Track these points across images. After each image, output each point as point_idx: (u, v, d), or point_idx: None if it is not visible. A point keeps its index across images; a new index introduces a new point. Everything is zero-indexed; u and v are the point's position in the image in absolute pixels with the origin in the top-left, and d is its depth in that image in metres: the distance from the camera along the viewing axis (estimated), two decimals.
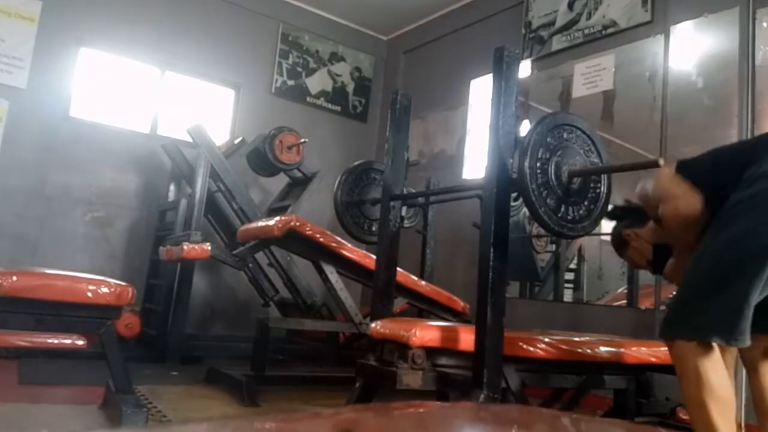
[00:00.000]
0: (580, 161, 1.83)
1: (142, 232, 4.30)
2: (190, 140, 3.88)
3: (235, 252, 3.62)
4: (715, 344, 1.37)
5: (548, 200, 1.75)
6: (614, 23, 3.57)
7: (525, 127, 1.85)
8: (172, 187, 4.28)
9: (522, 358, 1.82)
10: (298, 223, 2.99)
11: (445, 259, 4.20)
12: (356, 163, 3.01)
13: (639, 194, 1.73)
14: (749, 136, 2.80)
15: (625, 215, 2.00)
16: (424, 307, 3.43)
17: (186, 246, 3.31)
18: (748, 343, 1.35)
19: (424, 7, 5.04)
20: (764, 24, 2.88)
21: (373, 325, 2.02)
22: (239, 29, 4.88)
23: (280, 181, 4.54)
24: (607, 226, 3.63)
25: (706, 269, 1.42)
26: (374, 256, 2.61)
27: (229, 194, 3.91)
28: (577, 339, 2.00)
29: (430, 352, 1.78)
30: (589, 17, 3.74)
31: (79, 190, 4.15)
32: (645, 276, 3.31)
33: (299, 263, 3.79)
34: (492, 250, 1.70)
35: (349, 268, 3.24)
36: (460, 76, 4.76)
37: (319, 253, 3.14)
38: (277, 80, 5.06)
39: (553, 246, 4.04)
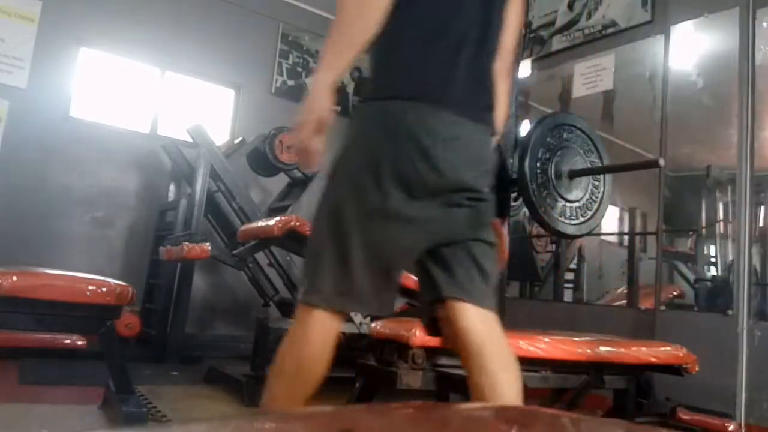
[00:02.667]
0: (580, 161, 1.83)
1: (142, 232, 4.30)
2: (190, 140, 3.88)
3: (235, 252, 3.62)
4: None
5: (548, 200, 1.75)
6: (614, 23, 3.58)
7: (525, 127, 1.85)
8: (172, 187, 4.28)
9: (522, 358, 1.82)
10: (298, 223, 2.99)
11: None
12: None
13: None
14: (749, 136, 2.80)
15: None
16: None
17: (186, 246, 3.30)
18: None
19: None
20: (764, 24, 2.88)
21: (373, 325, 2.02)
22: (239, 29, 4.88)
23: (280, 181, 4.54)
24: (606, 226, 3.65)
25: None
26: None
27: (229, 194, 3.91)
28: (577, 339, 2.00)
29: (430, 352, 1.78)
30: (589, 17, 3.74)
31: (79, 190, 4.15)
32: (645, 276, 3.32)
33: (299, 263, 3.79)
34: None
35: None
36: None
37: None
38: (277, 80, 5.06)
39: (553, 246, 4.04)
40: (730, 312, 2.71)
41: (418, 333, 1.74)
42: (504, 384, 1.25)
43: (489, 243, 1.35)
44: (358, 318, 3.21)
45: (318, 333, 1.32)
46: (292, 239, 3.04)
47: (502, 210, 1.57)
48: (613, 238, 3.85)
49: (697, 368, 2.15)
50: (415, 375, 1.74)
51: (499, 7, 1.42)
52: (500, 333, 1.31)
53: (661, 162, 1.73)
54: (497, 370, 1.25)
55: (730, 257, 2.91)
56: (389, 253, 1.32)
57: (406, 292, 3.31)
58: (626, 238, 3.63)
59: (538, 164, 1.75)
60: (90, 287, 2.14)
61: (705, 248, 3.23)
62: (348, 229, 1.28)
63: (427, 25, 1.37)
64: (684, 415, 2.35)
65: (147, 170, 4.41)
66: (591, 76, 3.65)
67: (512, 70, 1.52)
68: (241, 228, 3.43)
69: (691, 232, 3.29)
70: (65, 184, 4.10)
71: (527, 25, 4.15)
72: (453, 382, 1.81)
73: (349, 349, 3.65)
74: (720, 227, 3.08)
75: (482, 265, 1.33)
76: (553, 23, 3.97)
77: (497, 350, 1.28)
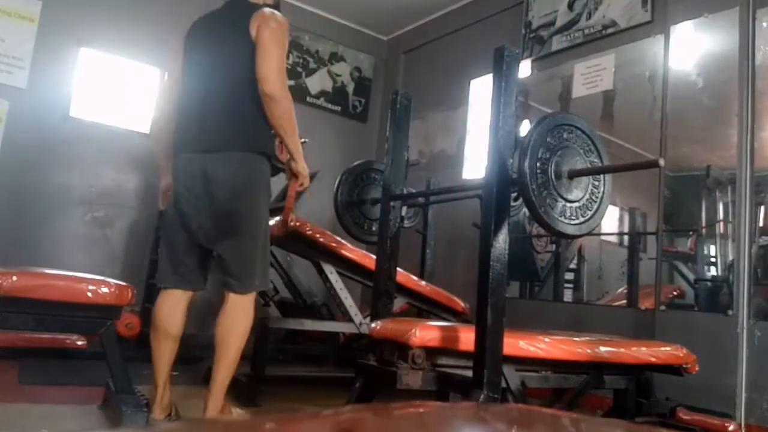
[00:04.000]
0: (580, 161, 1.83)
1: (142, 232, 4.30)
2: None
3: None
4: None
5: (548, 200, 1.75)
6: (614, 23, 3.58)
7: (525, 127, 1.85)
8: None
9: (522, 358, 1.82)
10: (298, 223, 2.99)
11: (445, 259, 4.20)
12: (356, 163, 3.01)
13: None
14: (749, 136, 2.81)
15: None
16: (424, 307, 3.43)
17: None
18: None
19: (424, 7, 5.04)
20: (764, 24, 2.88)
21: (373, 325, 2.02)
22: None
23: (280, 181, 4.54)
24: (606, 226, 3.65)
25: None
26: (374, 256, 2.61)
27: None
28: (577, 339, 2.00)
29: (430, 352, 1.78)
30: (589, 17, 3.74)
31: (79, 190, 4.15)
32: (645, 276, 3.32)
33: (299, 263, 3.79)
34: (492, 250, 1.70)
35: (349, 268, 3.24)
36: (460, 76, 4.76)
37: (319, 253, 3.14)
38: None
39: (553, 246, 4.04)
40: (730, 312, 2.71)
41: (418, 333, 1.75)
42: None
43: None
44: (358, 318, 3.21)
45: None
46: (292, 239, 3.04)
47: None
48: (613, 238, 3.85)
49: (697, 368, 2.15)
50: (415, 375, 1.74)
51: (226, 66, 2.19)
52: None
53: (661, 162, 1.73)
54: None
55: (730, 257, 2.90)
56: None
57: (405, 292, 3.31)
58: (626, 238, 3.63)
59: (538, 164, 1.75)
60: (90, 287, 2.14)
61: (705, 248, 3.23)
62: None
63: (180, 100, 2.26)
64: (684, 415, 2.35)
65: (147, 170, 4.40)
66: (591, 76, 3.65)
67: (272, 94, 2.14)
68: None
69: (691, 232, 3.29)
70: (65, 184, 4.10)
71: (527, 24, 4.15)
72: (453, 382, 1.81)
73: (349, 349, 3.67)
74: (720, 227, 3.08)
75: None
76: (553, 23, 3.97)
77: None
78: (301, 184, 2.34)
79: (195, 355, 3.71)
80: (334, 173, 3.12)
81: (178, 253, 2.21)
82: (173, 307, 2.24)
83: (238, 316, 2.27)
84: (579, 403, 2.09)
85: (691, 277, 3.27)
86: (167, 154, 2.26)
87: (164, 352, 2.25)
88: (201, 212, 2.15)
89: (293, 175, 2.33)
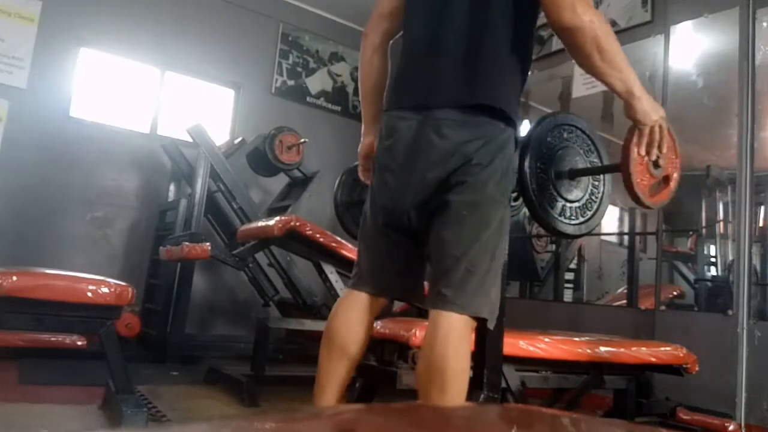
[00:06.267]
0: (580, 161, 1.83)
1: (142, 232, 4.30)
2: (190, 140, 3.88)
3: (235, 252, 3.62)
4: None
5: (548, 200, 1.75)
6: (614, 23, 3.57)
7: (525, 127, 1.84)
8: (172, 187, 4.28)
9: (522, 358, 1.82)
10: (298, 223, 2.99)
11: None
12: (356, 162, 3.00)
13: None
14: (749, 136, 2.81)
15: None
16: (424, 308, 3.43)
17: (186, 246, 3.30)
18: None
19: None
20: (764, 24, 2.88)
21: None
22: (239, 29, 4.88)
23: (280, 181, 4.54)
24: (606, 226, 3.65)
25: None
26: None
27: (229, 194, 3.91)
28: (577, 339, 2.00)
29: None
30: None
31: (79, 190, 4.15)
32: (645, 276, 3.32)
33: (299, 263, 3.79)
34: None
35: (349, 268, 3.22)
36: None
37: (319, 253, 3.14)
38: (277, 80, 5.06)
39: (553, 246, 4.04)
40: (730, 312, 2.71)
41: (418, 333, 1.75)
42: None
43: None
44: None
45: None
46: (292, 239, 3.04)
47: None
48: (613, 238, 3.86)
49: (697, 368, 2.15)
50: (415, 375, 1.74)
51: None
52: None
53: (662, 162, 1.73)
54: None
55: (730, 257, 2.91)
56: None
57: None
58: (626, 238, 3.63)
59: (538, 164, 1.75)
60: (90, 287, 2.14)
61: (705, 248, 3.23)
62: None
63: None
64: (684, 415, 2.35)
65: (147, 170, 4.40)
66: (591, 77, 3.64)
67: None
68: (241, 228, 3.43)
69: (691, 232, 3.29)
70: (65, 184, 4.10)
71: None
72: None
73: None
74: (720, 227, 3.09)
75: None
76: None
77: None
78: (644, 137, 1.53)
79: (195, 355, 3.72)
80: (334, 173, 3.11)
81: None
82: None
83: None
84: (579, 403, 2.09)
85: (691, 277, 3.28)
86: None
87: None
88: None
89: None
